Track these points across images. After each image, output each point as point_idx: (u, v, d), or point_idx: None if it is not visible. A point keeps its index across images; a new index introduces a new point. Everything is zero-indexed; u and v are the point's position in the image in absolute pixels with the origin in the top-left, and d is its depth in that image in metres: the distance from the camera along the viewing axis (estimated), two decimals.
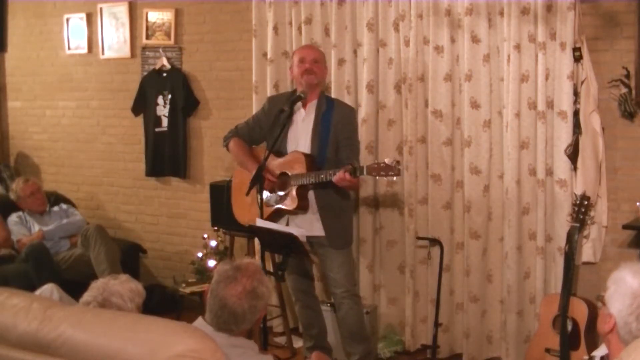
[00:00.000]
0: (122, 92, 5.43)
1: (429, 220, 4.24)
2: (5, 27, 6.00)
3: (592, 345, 3.36)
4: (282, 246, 3.35)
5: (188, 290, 4.60)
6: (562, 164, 3.85)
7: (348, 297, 3.78)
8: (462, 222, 4.15)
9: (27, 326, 1.87)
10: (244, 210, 3.87)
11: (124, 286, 2.43)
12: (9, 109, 6.12)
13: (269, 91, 4.53)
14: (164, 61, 5.15)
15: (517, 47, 3.86)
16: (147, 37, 5.27)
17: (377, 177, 3.48)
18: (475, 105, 4.03)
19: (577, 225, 3.52)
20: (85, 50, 5.60)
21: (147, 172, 5.36)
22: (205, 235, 4.81)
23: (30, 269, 4.50)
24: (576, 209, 3.58)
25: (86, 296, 2.40)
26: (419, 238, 4.21)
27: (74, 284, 3.28)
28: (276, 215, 3.74)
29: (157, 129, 5.22)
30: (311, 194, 3.69)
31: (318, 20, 4.43)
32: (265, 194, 3.69)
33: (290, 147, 3.74)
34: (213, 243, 4.74)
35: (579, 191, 3.74)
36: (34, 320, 1.87)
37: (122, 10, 5.36)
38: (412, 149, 4.20)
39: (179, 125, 5.16)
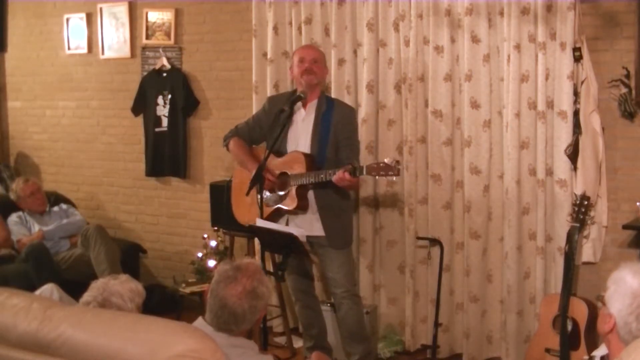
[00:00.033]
0: (122, 92, 5.43)
1: (429, 220, 4.24)
2: (5, 27, 5.99)
3: (592, 345, 3.36)
4: (282, 246, 3.34)
5: (188, 290, 4.60)
6: (562, 164, 3.85)
7: (348, 297, 3.78)
8: (462, 222, 4.15)
9: (27, 326, 1.87)
10: (244, 210, 3.87)
11: (124, 286, 2.43)
12: (9, 109, 6.12)
13: (269, 91, 4.53)
14: (164, 61, 5.15)
15: (517, 47, 3.86)
16: (147, 37, 5.26)
17: (377, 177, 3.48)
18: (475, 105, 4.03)
19: (577, 225, 3.52)
20: (85, 50, 5.60)
21: (147, 172, 5.36)
22: (205, 235, 4.81)
23: (30, 269, 4.50)
24: (576, 209, 3.58)
25: (86, 296, 2.40)
26: (419, 238, 4.21)
27: (74, 284, 3.28)
28: (276, 215, 3.74)
29: (157, 129, 5.22)
30: (311, 194, 3.69)
31: (318, 20, 4.43)
32: (265, 193, 3.69)
33: (290, 147, 3.74)
34: (213, 243, 4.74)
35: (579, 191, 3.74)
36: (34, 320, 1.87)
37: (122, 10, 5.36)
38: (412, 149, 4.20)
39: (179, 125, 5.16)
